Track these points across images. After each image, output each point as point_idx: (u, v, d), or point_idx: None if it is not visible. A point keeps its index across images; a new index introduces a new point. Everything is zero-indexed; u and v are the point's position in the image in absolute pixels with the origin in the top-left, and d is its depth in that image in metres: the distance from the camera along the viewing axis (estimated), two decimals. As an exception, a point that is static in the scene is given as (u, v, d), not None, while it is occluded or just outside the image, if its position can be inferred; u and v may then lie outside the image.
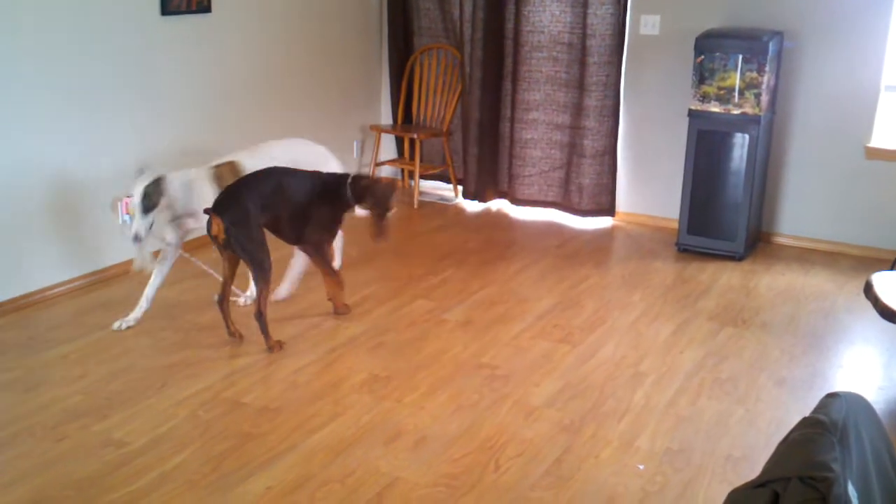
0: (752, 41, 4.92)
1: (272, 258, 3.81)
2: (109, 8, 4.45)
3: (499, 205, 6.33)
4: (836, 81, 5.17)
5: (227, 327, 3.93)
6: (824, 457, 1.45)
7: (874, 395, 3.59)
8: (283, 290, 4.36)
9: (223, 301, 3.90)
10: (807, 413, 1.63)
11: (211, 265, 4.30)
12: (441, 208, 6.27)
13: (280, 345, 3.87)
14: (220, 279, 3.92)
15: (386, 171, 6.78)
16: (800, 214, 5.45)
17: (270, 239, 3.87)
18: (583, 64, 5.76)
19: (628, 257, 5.31)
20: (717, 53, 4.98)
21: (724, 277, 4.93)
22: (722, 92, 5.02)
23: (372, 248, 5.35)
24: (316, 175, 4.02)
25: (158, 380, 3.59)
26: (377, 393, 3.51)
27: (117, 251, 4.53)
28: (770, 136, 5.29)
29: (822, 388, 3.63)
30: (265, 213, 3.76)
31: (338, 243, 4.55)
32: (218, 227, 3.66)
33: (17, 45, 4.06)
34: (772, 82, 5.06)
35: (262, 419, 3.29)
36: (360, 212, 4.10)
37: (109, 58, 4.49)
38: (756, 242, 5.48)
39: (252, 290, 4.25)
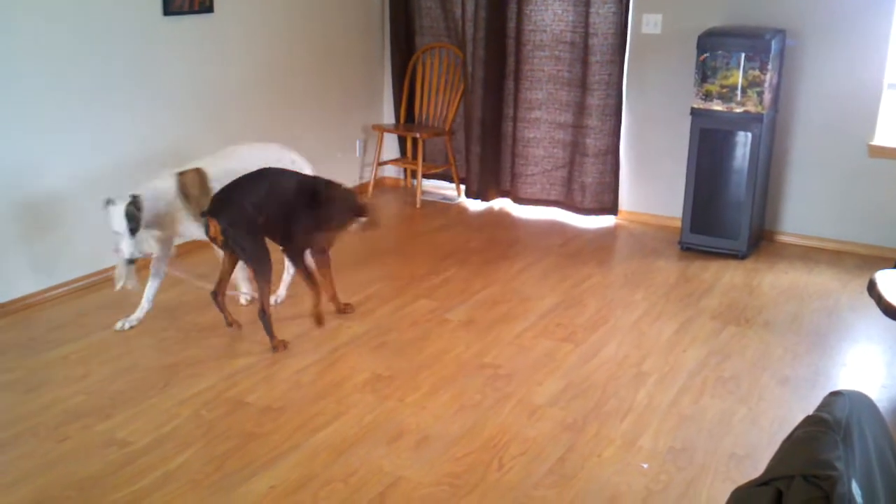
0: (755, 39, 4.91)
1: (273, 258, 3.81)
2: (111, 8, 4.45)
3: (501, 204, 6.32)
4: (839, 79, 5.16)
5: (225, 318, 4.00)
6: (828, 455, 1.45)
7: (877, 394, 3.59)
8: (280, 293, 4.37)
9: (218, 295, 3.95)
10: (810, 411, 1.62)
11: (199, 274, 4.30)
12: (443, 207, 6.27)
13: (284, 344, 3.87)
14: (211, 287, 3.97)
15: (389, 171, 6.78)
16: (803, 213, 5.45)
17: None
18: (585, 63, 5.75)
19: (631, 256, 5.31)
20: (720, 52, 4.97)
21: (727, 276, 4.92)
22: (724, 90, 5.01)
23: (374, 246, 5.36)
24: (308, 177, 4.01)
25: (161, 379, 3.59)
26: (380, 392, 3.51)
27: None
28: (773, 135, 5.29)
29: (825, 386, 3.62)
30: (260, 213, 3.76)
31: (285, 276, 4.40)
32: (215, 229, 3.70)
33: (18, 45, 4.06)
34: (774, 80, 5.05)
35: (264, 419, 3.29)
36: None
37: (112, 58, 4.49)
38: (759, 241, 5.47)
39: (248, 288, 4.27)
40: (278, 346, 3.85)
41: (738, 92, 4.97)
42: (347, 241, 4.69)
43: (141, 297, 4.07)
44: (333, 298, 4.24)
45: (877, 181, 5.18)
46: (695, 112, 5.12)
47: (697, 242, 5.30)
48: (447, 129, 6.28)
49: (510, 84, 6.07)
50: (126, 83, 4.59)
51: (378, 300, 4.47)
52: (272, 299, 4.33)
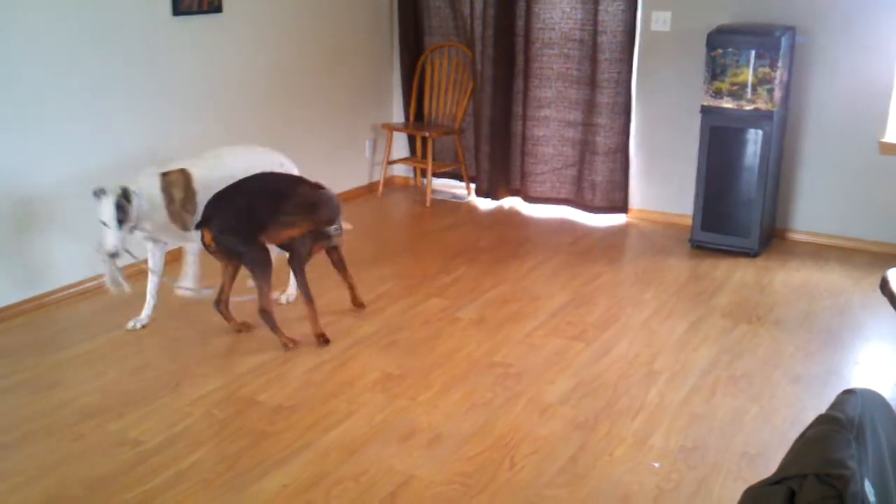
0: (765, 37, 4.90)
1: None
2: (121, 9, 4.47)
3: (511, 202, 6.32)
4: (850, 76, 5.14)
5: (232, 326, 4.03)
6: (841, 454, 1.45)
7: (890, 392, 3.57)
8: (290, 292, 4.38)
9: (220, 304, 3.99)
10: (822, 410, 1.62)
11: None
12: (453, 206, 6.27)
13: (294, 342, 3.88)
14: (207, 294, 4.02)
15: (398, 170, 6.78)
16: (814, 210, 5.43)
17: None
18: (594, 61, 5.74)
19: (641, 254, 5.30)
20: (730, 49, 4.96)
21: (738, 274, 4.91)
22: (735, 88, 4.99)
23: (385, 245, 5.37)
24: (297, 180, 3.99)
25: (173, 379, 3.60)
26: (391, 391, 3.52)
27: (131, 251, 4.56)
28: (783, 132, 5.27)
29: (837, 384, 3.61)
30: (251, 216, 3.77)
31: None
32: (208, 237, 3.75)
33: (26, 47, 4.09)
34: (785, 78, 5.04)
35: (276, 418, 3.30)
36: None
37: (121, 59, 4.51)
38: (770, 239, 5.45)
39: (292, 287, 4.28)
40: (287, 343, 3.86)
41: (749, 89, 4.96)
42: (348, 241, 4.70)
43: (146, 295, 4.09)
44: (353, 297, 4.29)
45: (888, 178, 5.16)
46: (705, 110, 5.11)
47: (708, 240, 5.29)
48: (457, 127, 6.28)
49: (519, 82, 6.07)
50: (135, 83, 4.61)
51: (389, 299, 4.48)
52: (284, 298, 4.35)
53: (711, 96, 5.07)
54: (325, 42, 5.89)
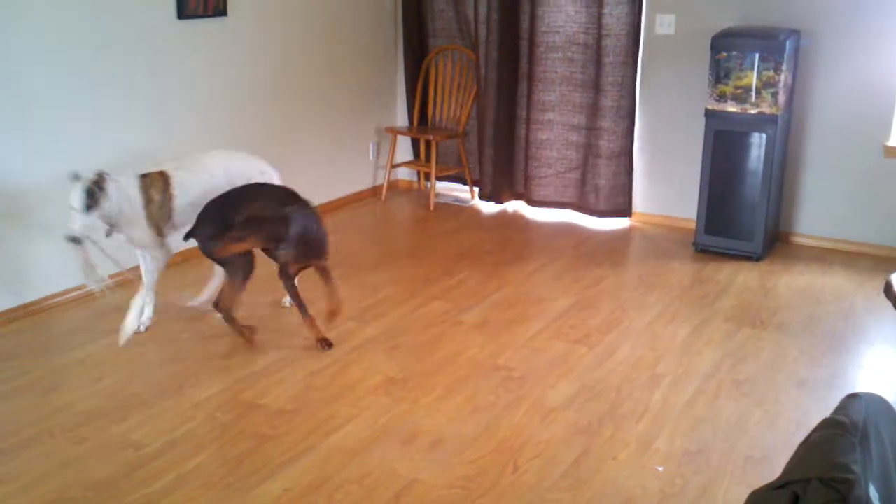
0: (769, 40, 4.89)
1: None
2: (127, 13, 4.48)
3: (515, 206, 6.32)
4: (854, 80, 5.13)
5: (238, 333, 3.96)
6: (845, 458, 1.44)
7: (894, 396, 3.55)
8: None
9: (219, 305, 3.97)
10: (826, 414, 1.61)
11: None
12: (457, 210, 6.27)
13: (252, 330, 3.92)
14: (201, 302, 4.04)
15: (402, 173, 6.79)
16: (818, 214, 5.41)
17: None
18: (598, 64, 5.74)
19: (645, 258, 5.29)
20: (734, 52, 4.95)
21: (742, 278, 4.90)
22: (739, 91, 4.99)
23: (388, 249, 5.37)
24: (285, 191, 3.96)
25: (175, 382, 3.60)
26: (393, 395, 3.51)
27: (131, 255, 4.55)
28: (787, 136, 5.26)
29: (841, 388, 3.60)
30: (225, 226, 3.78)
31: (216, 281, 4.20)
32: (199, 245, 3.84)
33: (31, 49, 4.09)
34: (789, 81, 5.03)
35: (279, 421, 3.30)
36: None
37: (127, 62, 4.52)
38: (774, 242, 5.44)
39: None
40: (243, 331, 3.92)
41: (753, 93, 4.95)
42: (351, 243, 4.70)
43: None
44: (331, 306, 4.03)
45: (893, 182, 5.14)
46: (709, 113, 5.10)
47: (712, 244, 5.28)
48: (460, 131, 6.28)
49: (523, 86, 6.07)
50: (140, 87, 4.61)
51: (392, 302, 4.47)
52: (283, 301, 4.34)
53: (715, 100, 5.06)
54: (328, 46, 5.89)
